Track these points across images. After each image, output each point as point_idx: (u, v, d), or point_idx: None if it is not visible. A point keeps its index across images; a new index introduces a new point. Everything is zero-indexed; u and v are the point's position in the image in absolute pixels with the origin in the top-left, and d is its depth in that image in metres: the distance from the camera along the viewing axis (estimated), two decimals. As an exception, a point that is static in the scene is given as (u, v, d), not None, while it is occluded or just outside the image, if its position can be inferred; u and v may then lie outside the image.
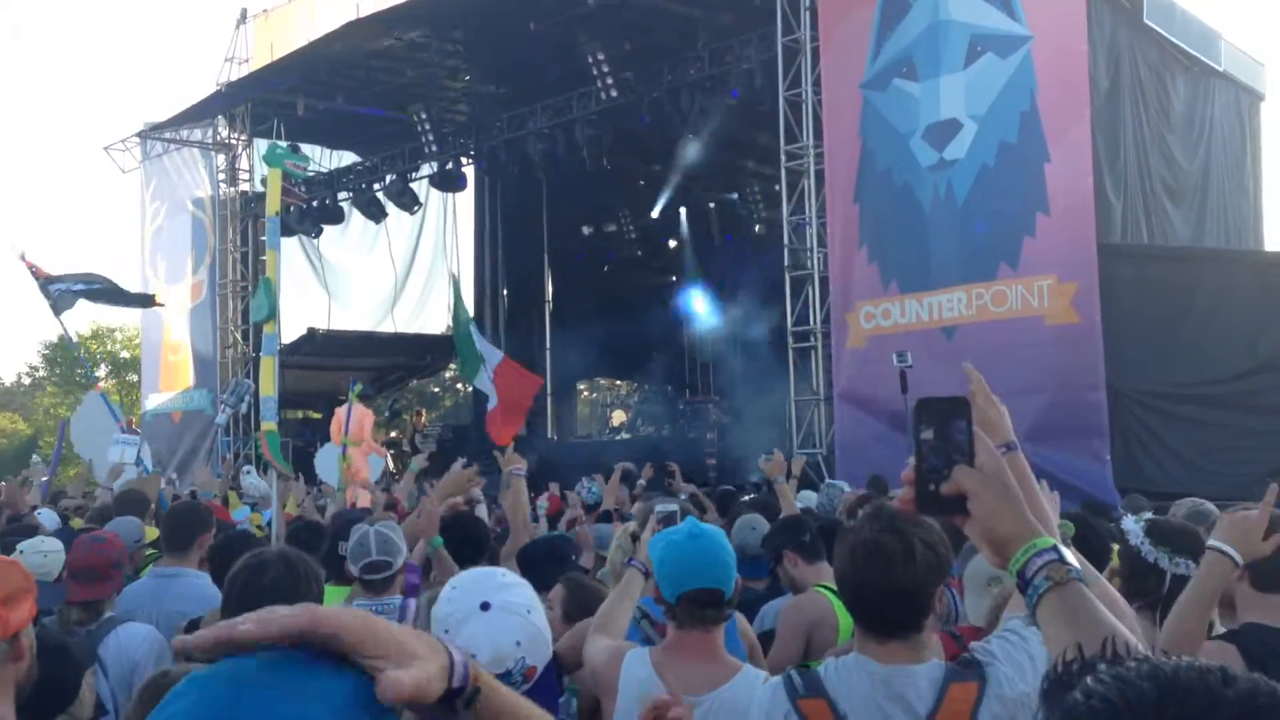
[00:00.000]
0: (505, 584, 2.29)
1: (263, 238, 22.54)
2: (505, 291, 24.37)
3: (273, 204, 7.34)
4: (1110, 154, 12.70)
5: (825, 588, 4.25)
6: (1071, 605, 1.47)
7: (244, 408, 16.44)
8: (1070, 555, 1.51)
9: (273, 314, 7.21)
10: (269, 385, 7.58)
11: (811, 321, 14.55)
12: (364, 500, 9.15)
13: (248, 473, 9.29)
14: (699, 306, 23.41)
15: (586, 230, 24.78)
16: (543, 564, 4.38)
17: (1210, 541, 2.92)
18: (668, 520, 3.52)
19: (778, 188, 15.44)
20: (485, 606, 2.21)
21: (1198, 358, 11.79)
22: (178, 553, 4.90)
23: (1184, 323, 12.03)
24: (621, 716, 2.82)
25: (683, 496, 8.76)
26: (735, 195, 22.52)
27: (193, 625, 4.20)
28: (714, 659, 2.88)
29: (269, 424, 7.83)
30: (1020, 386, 11.89)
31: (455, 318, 12.34)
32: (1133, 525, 3.75)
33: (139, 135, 23.40)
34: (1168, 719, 0.92)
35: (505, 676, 2.17)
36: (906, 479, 1.57)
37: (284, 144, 8.58)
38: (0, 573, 2.20)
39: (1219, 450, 11.26)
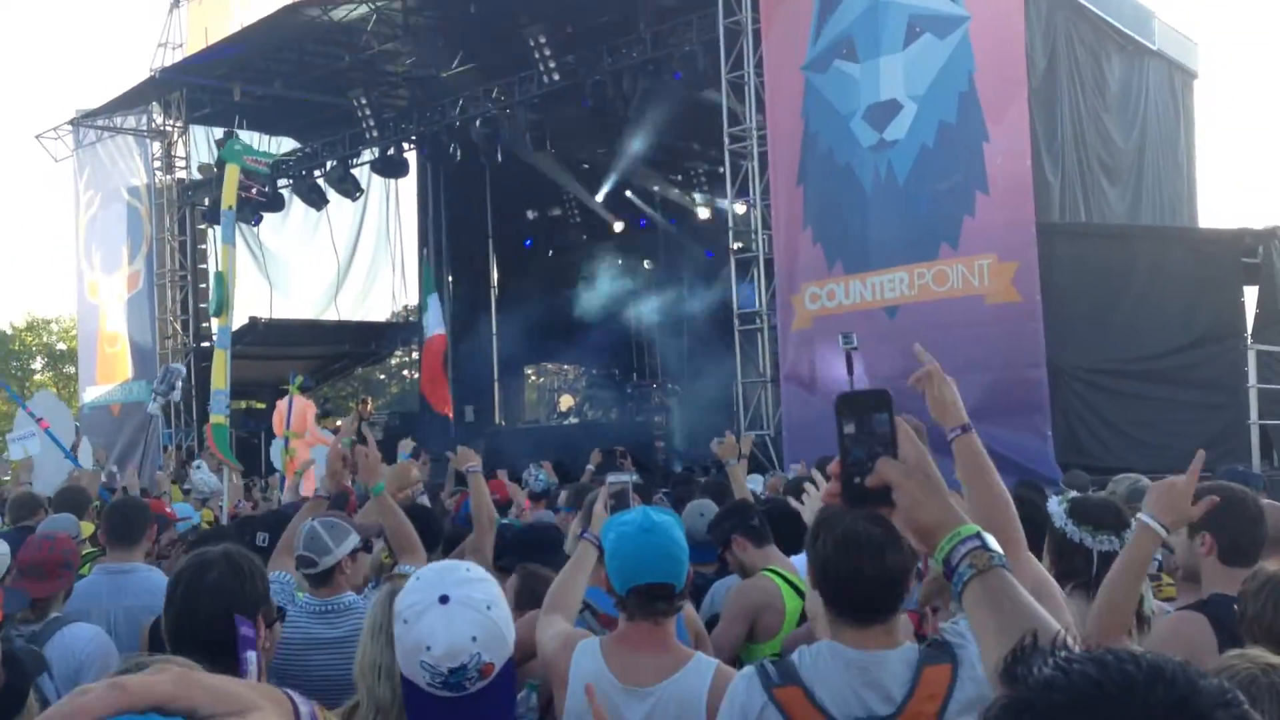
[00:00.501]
0: (468, 578, 2.26)
1: (200, 226, 22.41)
2: (450, 277, 24.20)
3: (228, 198, 7.28)
4: (1048, 133, 12.86)
5: (773, 571, 4.27)
6: (994, 592, 1.49)
7: (176, 395, 16.21)
8: (993, 542, 1.53)
9: (225, 307, 7.14)
10: (220, 379, 7.50)
11: (757, 303, 14.61)
12: (308, 490, 9.07)
13: (198, 468, 9.17)
14: (645, 289, 23.42)
15: (531, 215, 24.68)
16: (533, 552, 4.29)
17: (1139, 515, 2.95)
18: (619, 494, 3.49)
19: (722, 170, 15.46)
20: (444, 599, 2.18)
21: (1135, 334, 12.00)
22: (126, 547, 4.83)
23: (1121, 300, 12.24)
24: (573, 705, 2.82)
25: (632, 475, 8.77)
26: (679, 178, 22.52)
27: (157, 623, 4.14)
28: (664, 649, 2.87)
29: (218, 417, 7.75)
30: (962, 365, 12.00)
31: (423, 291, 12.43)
32: (1056, 507, 3.78)
33: (71, 123, 22.93)
34: (1155, 700, 0.94)
35: (460, 672, 2.15)
36: (832, 472, 1.59)
37: (242, 141, 8.49)
38: None
39: (1158, 424, 11.48)
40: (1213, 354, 11.65)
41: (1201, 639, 3.18)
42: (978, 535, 1.53)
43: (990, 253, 12.40)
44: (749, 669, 2.45)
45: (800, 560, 3.67)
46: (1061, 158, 13.18)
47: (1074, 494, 3.87)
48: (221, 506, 7.72)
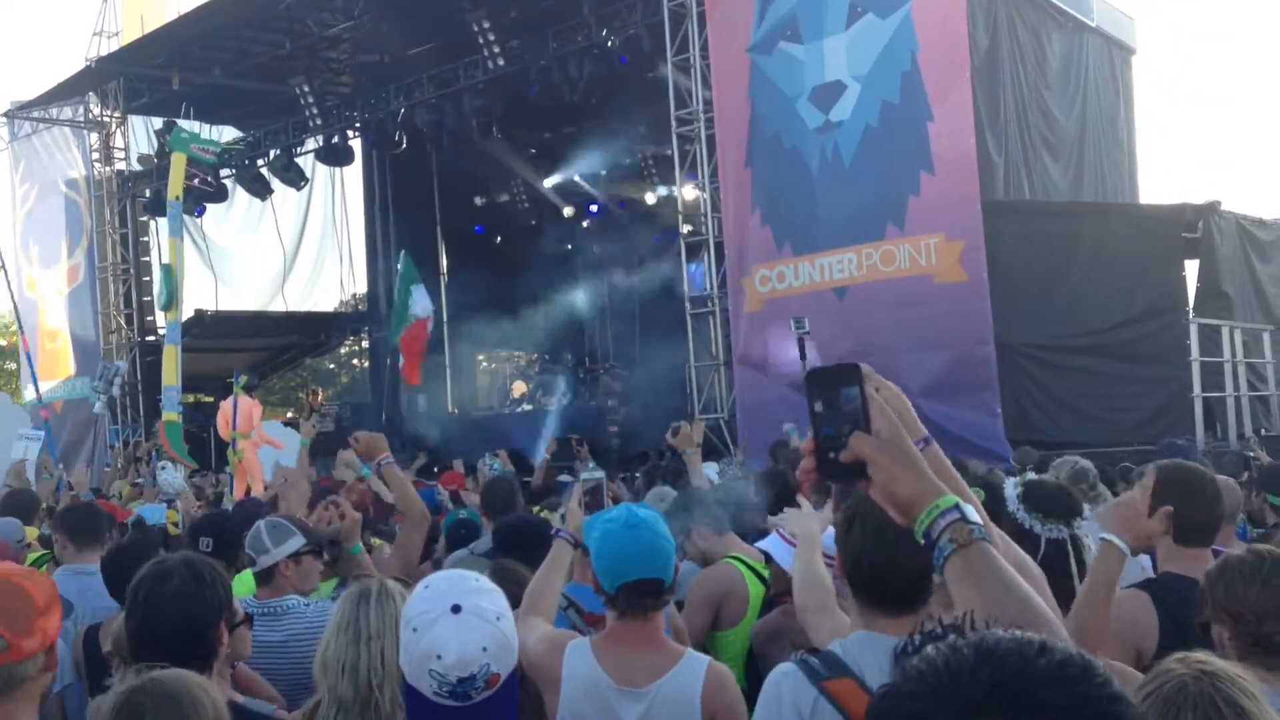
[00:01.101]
0: (478, 588, 2.28)
1: (142, 218, 22.04)
2: (399, 266, 23.97)
3: (174, 188, 7.18)
4: (991, 112, 12.99)
5: (735, 558, 4.30)
6: (975, 566, 1.48)
7: (116, 391, 15.98)
8: (973, 513, 1.52)
9: (174, 301, 7.05)
10: (171, 374, 7.41)
11: (708, 286, 14.65)
12: (257, 490, 8.99)
13: (163, 468, 9.07)
14: (596, 273, 23.38)
15: (479, 201, 24.50)
16: (525, 546, 4.22)
17: (1100, 534, 2.96)
18: (593, 490, 3.49)
19: (670, 153, 15.45)
20: (456, 609, 2.19)
21: (1080, 309, 12.18)
22: (89, 549, 4.78)
23: (1066, 276, 12.41)
24: (568, 707, 2.82)
25: (590, 465, 8.76)
26: (627, 162, 22.46)
27: (92, 630, 4.09)
28: (655, 647, 2.88)
29: (170, 414, 7.66)
30: (912, 344, 12.19)
31: (402, 286, 12.31)
32: (1010, 491, 3.82)
33: (5, 115, 22.46)
34: (980, 680, 0.98)
35: (469, 682, 2.17)
36: (806, 449, 1.58)
37: (189, 130, 8.36)
38: (35, 583, 2.33)
39: (1104, 398, 11.69)
40: (1156, 328, 11.87)
41: (1142, 617, 3.21)
42: (957, 507, 1.52)
43: (937, 232, 12.52)
44: (787, 666, 2.40)
45: (770, 545, 3.68)
46: (1005, 136, 13.31)
47: (1031, 477, 3.91)
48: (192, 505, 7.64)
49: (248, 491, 9.13)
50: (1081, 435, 10.53)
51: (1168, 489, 3.43)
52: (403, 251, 18.36)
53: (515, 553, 4.02)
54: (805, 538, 3.24)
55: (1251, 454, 8.58)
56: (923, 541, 1.53)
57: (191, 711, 2.01)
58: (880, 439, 1.53)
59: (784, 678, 2.38)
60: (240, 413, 10.61)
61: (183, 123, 20.87)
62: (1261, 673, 2.43)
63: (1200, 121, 76.27)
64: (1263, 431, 12.03)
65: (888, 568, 2.34)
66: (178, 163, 7.48)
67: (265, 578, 3.94)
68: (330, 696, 2.84)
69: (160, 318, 22.23)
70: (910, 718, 1.01)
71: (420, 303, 17.92)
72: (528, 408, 22.20)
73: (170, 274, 7.32)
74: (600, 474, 3.56)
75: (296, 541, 3.99)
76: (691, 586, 4.29)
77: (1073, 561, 3.67)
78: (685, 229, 14.97)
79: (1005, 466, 7.80)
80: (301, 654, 3.58)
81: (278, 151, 21.03)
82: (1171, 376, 11.58)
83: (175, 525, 7.02)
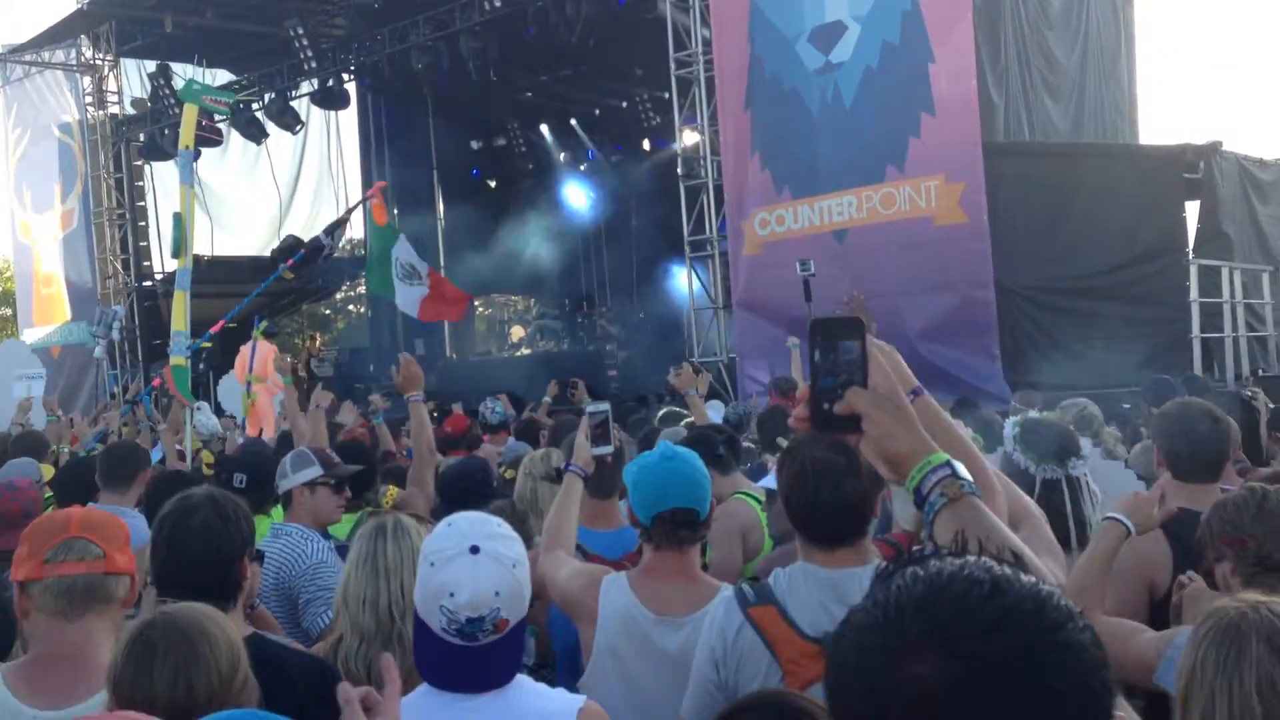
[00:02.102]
0: (498, 534, 2.30)
1: (137, 162, 21.88)
2: (395, 210, 23.86)
3: (185, 138, 7.23)
4: (992, 53, 12.88)
5: (745, 494, 4.36)
6: (964, 518, 1.49)
7: (115, 335, 15.98)
8: (963, 470, 1.55)
9: (183, 249, 7.12)
10: (180, 320, 7.48)
11: (708, 230, 14.62)
12: (269, 434, 9.05)
13: (200, 409, 9.14)
14: (593, 217, 23.31)
15: (476, 145, 24.34)
16: (461, 495, 4.34)
17: (1109, 513, 3.05)
18: (600, 421, 3.51)
19: (668, 96, 15.34)
20: (475, 550, 2.22)
21: (1080, 251, 12.17)
22: (119, 491, 4.84)
23: (1066, 218, 12.38)
24: (604, 642, 2.87)
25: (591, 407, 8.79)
26: (625, 104, 22.31)
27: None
28: (693, 579, 2.93)
29: (178, 359, 7.73)
30: (912, 287, 12.19)
31: (380, 233, 12.17)
32: (1009, 430, 3.86)
33: (-4, 58, 22.19)
34: (918, 619, 0.98)
35: (477, 622, 2.19)
36: (801, 397, 1.59)
37: (200, 81, 8.35)
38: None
39: (1102, 340, 11.70)
40: (1156, 269, 11.87)
41: (1154, 550, 3.27)
42: (948, 464, 1.54)
43: (937, 174, 12.47)
44: (726, 592, 2.55)
45: (770, 481, 3.74)
46: (1006, 77, 13.21)
47: (1032, 414, 3.95)
48: (222, 449, 7.71)
49: (260, 434, 9.19)
50: (1080, 378, 10.56)
51: (1157, 426, 3.49)
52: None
53: (458, 504, 4.08)
54: None
55: (1249, 393, 8.64)
56: (913, 497, 1.55)
57: (203, 645, 2.03)
58: (877, 394, 1.54)
59: (720, 604, 2.55)
60: (258, 357, 10.63)
61: (173, 66, 20.71)
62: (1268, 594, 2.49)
63: (1201, 62, 75.67)
64: (1260, 372, 12.09)
65: (812, 505, 2.46)
66: (189, 113, 7.49)
67: (285, 502, 4.21)
68: (353, 630, 2.91)
69: (158, 263, 22.23)
70: (851, 649, 1.01)
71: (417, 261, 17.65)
72: (526, 351, 22.24)
73: (180, 222, 7.36)
74: (605, 405, 3.56)
75: (313, 470, 4.18)
76: (716, 523, 4.35)
77: (1067, 502, 3.72)
78: (684, 172, 14.89)
79: (1005, 408, 7.85)
80: (272, 574, 3.75)
81: (272, 95, 20.83)
82: (1171, 318, 11.61)
83: (209, 466, 7.06)
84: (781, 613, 2.40)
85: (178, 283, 7.56)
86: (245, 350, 10.91)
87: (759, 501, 4.23)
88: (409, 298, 11.28)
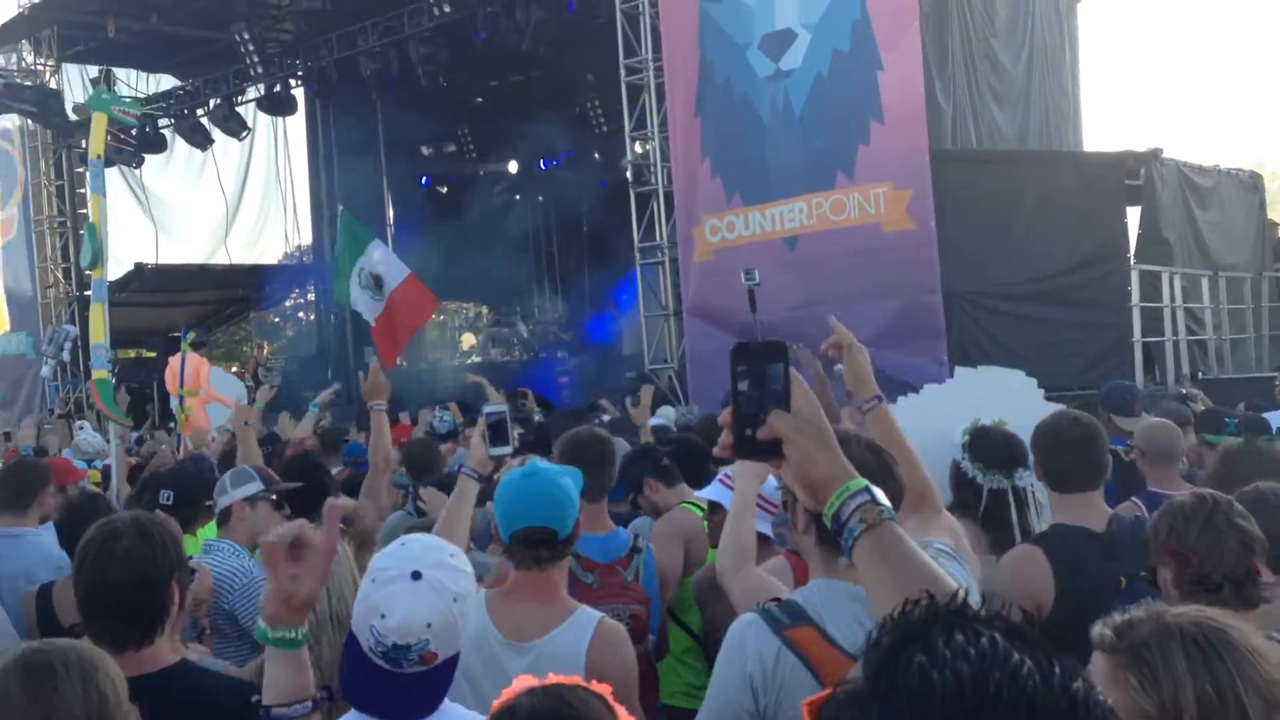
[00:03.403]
0: (447, 563, 2.22)
1: (79, 169, 21.47)
2: (340, 220, 23.63)
3: (95, 147, 7.08)
4: (940, 60, 12.99)
5: (690, 504, 4.34)
6: (884, 546, 1.48)
7: (65, 355, 15.72)
8: (881, 496, 1.53)
9: (99, 260, 6.96)
10: (99, 332, 7.31)
11: (658, 237, 14.61)
12: (208, 448, 8.90)
13: (81, 428, 8.92)
14: (545, 224, 23.23)
15: (426, 151, 24.18)
16: None
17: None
18: (496, 422, 3.41)
19: (619, 103, 15.32)
20: (417, 575, 2.15)
21: (1025, 257, 12.29)
22: (17, 511, 4.69)
23: (1012, 223, 12.50)
24: (459, 664, 2.81)
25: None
26: (576, 110, 22.25)
27: (44, 590, 4.04)
28: (549, 601, 2.85)
29: (100, 372, 7.56)
30: (861, 293, 12.25)
31: (343, 242, 12.08)
32: (958, 439, 3.87)
33: (-67, 63, 21.68)
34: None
35: (402, 650, 2.13)
36: (724, 423, 1.56)
37: (110, 91, 8.22)
38: None
39: (1048, 345, 11.81)
40: (1098, 274, 12.00)
41: (1036, 572, 3.22)
42: (867, 489, 1.52)
43: (886, 181, 12.54)
44: (750, 615, 2.40)
45: (714, 493, 3.72)
46: (953, 84, 13.33)
47: (982, 424, 3.96)
48: (110, 466, 7.51)
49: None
50: (1024, 381, 10.65)
51: (1037, 440, 3.49)
52: (340, 209, 18.07)
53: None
54: (740, 497, 3.22)
55: (1186, 393, 8.77)
56: (830, 524, 1.53)
57: (64, 684, 1.92)
58: (799, 419, 1.52)
59: (746, 627, 2.37)
60: (188, 370, 10.45)
61: (118, 72, 20.38)
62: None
63: (1143, 69, 77.00)
64: (1200, 374, 12.28)
65: None
66: (98, 123, 7.38)
67: (223, 519, 4.16)
68: (330, 653, 2.85)
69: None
70: None
71: (395, 265, 17.45)
72: (477, 359, 22.10)
73: (94, 233, 7.23)
74: (503, 407, 3.48)
75: (254, 486, 4.15)
76: (655, 531, 4.32)
77: (1013, 512, 3.74)
78: (634, 179, 14.88)
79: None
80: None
81: (218, 101, 20.57)
82: (1113, 322, 11.74)
83: (96, 485, 6.88)
84: (821, 632, 2.30)
85: (95, 295, 7.41)
86: (174, 362, 10.72)
87: (704, 511, 4.21)
88: (369, 306, 11.16)
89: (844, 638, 2.28)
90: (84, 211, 21.48)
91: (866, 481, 1.54)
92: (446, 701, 2.26)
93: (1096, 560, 3.20)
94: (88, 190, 7.43)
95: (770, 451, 1.53)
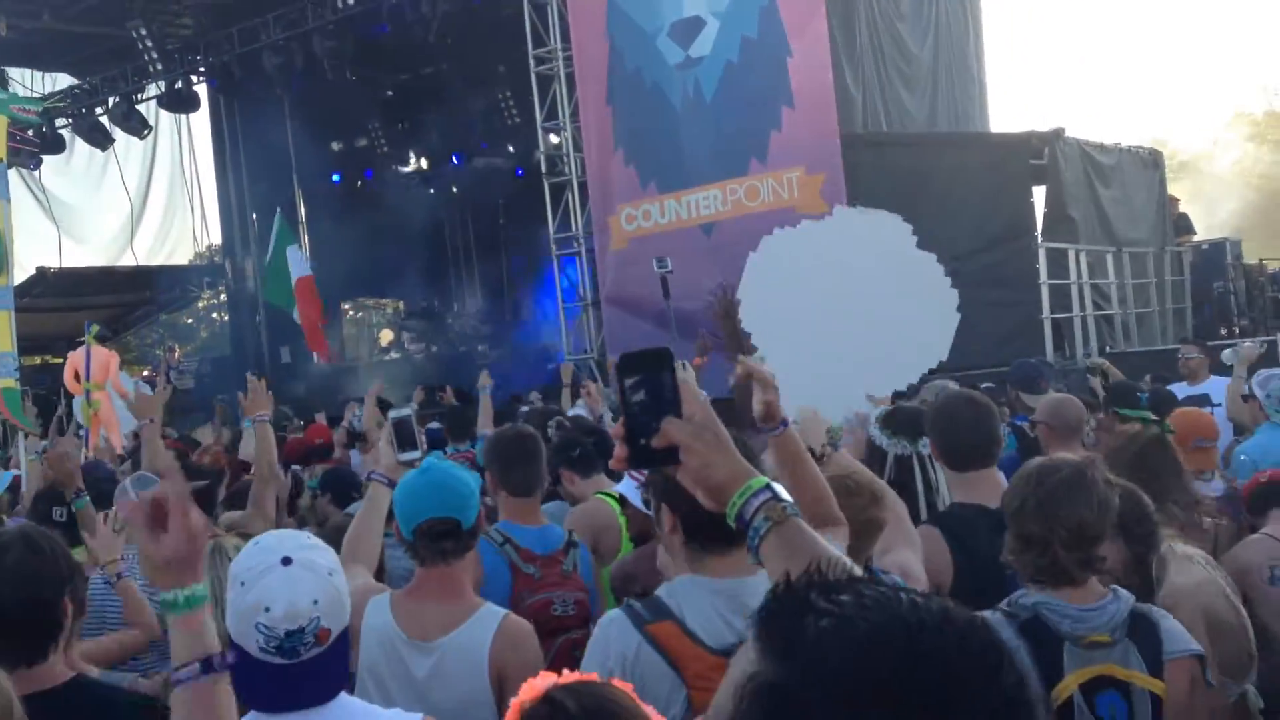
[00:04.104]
0: (309, 544, 2.22)
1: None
2: (254, 216, 23.15)
3: None
4: (848, 45, 13.11)
5: (605, 494, 4.33)
6: (791, 541, 1.49)
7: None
8: (784, 491, 1.54)
9: (4, 266, 6.76)
10: (5, 340, 7.11)
11: (574, 227, 14.56)
12: (115, 443, 8.67)
13: None
14: (460, 217, 23.02)
15: (336, 146, 23.79)
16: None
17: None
18: (400, 425, 3.33)
19: (530, 94, 15.22)
20: (287, 561, 2.13)
21: (936, 238, 12.27)
22: None
23: (922, 205, 12.58)
24: (366, 662, 2.77)
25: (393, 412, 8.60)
26: (487, 103, 22.06)
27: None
28: (453, 598, 2.84)
29: (7, 380, 7.35)
30: (778, 278, 12.34)
31: (277, 247, 11.87)
32: (874, 413, 3.97)
33: None
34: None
35: (297, 635, 2.10)
36: (616, 436, 1.55)
37: (7, 90, 7.96)
38: None
39: (962, 323, 11.98)
40: (1007, 254, 12.23)
41: (935, 551, 3.26)
42: (768, 487, 1.52)
43: (798, 165, 12.63)
44: (615, 611, 2.42)
45: (625, 488, 3.72)
46: (861, 68, 13.47)
47: (901, 405, 4.05)
48: (20, 477, 7.26)
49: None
50: (947, 359, 10.82)
51: (929, 421, 3.56)
52: (278, 210, 17.81)
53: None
54: None
55: (1089, 362, 8.97)
56: (734, 524, 1.53)
57: None
58: (693, 424, 1.52)
59: (610, 624, 2.40)
60: (95, 363, 10.12)
61: (10, 71, 19.74)
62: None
63: (1044, 50, 78.65)
64: (1108, 349, 12.58)
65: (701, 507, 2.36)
66: None
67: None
68: None
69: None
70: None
71: (296, 262, 17.33)
72: (396, 355, 21.86)
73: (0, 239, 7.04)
74: (408, 410, 3.43)
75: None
76: (567, 522, 4.31)
77: (918, 479, 3.81)
78: (548, 169, 14.80)
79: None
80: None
81: (117, 99, 20.03)
82: (1022, 299, 11.97)
83: None
84: (681, 627, 2.30)
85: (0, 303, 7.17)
86: (75, 357, 10.37)
87: (618, 501, 4.20)
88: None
89: (705, 631, 2.29)
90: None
91: (767, 479, 1.54)
92: (345, 696, 2.22)
93: (991, 537, 3.25)
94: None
95: (667, 459, 1.52)
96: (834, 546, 1.57)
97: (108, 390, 10.16)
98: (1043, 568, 2.53)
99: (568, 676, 1.68)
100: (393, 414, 3.38)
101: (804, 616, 0.94)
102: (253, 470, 4.88)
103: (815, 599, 0.96)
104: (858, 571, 1.31)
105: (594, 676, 1.72)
